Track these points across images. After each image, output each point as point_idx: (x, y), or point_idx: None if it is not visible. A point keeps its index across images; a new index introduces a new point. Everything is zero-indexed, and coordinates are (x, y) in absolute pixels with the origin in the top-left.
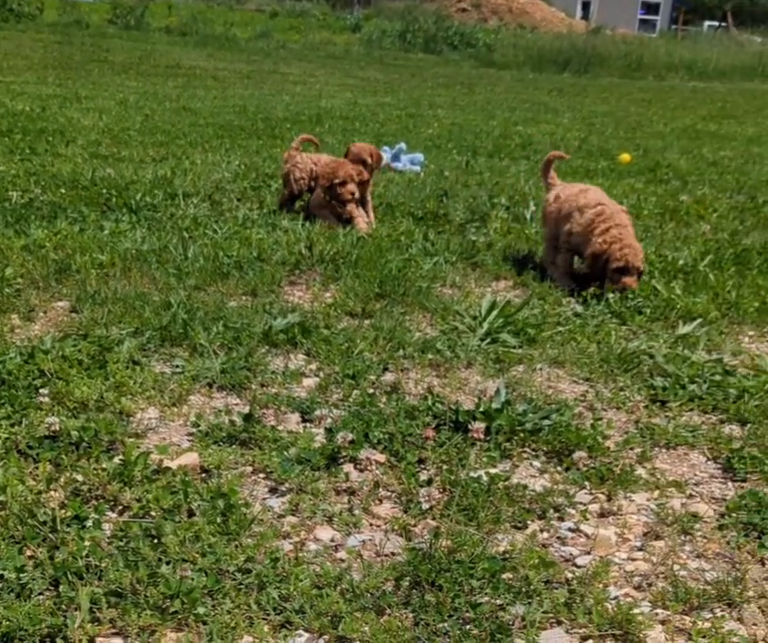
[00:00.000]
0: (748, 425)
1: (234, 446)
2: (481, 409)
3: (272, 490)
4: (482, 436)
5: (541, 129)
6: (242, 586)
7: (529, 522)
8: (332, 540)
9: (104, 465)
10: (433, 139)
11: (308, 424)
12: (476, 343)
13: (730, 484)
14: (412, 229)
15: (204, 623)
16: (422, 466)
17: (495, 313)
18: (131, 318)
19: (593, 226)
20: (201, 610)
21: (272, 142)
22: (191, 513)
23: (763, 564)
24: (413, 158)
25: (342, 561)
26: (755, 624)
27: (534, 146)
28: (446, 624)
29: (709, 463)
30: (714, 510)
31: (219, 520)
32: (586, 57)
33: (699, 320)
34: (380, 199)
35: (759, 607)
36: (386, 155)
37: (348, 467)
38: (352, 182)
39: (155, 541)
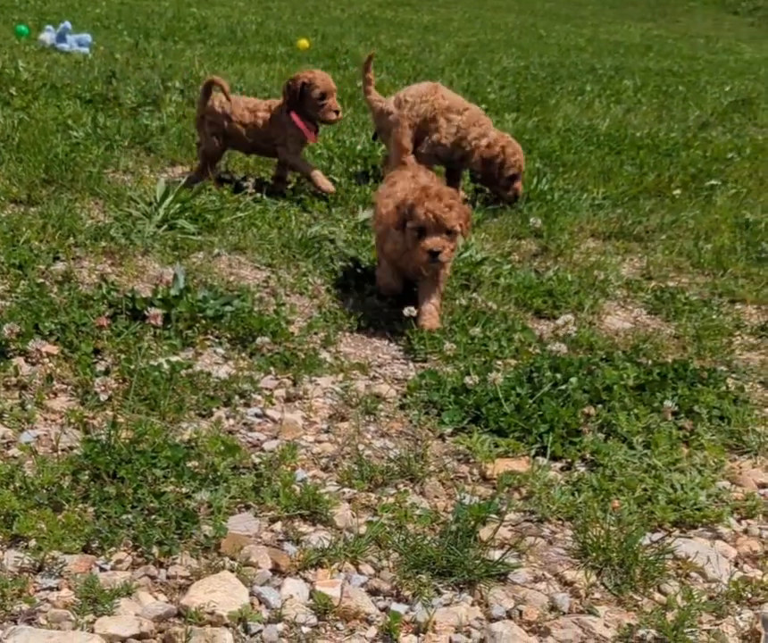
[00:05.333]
0: None
1: None
2: (159, 296)
3: None
4: (161, 323)
5: (216, 12)
6: None
7: (214, 410)
8: (3, 438)
9: None
10: (101, 19)
11: None
12: (152, 230)
13: (411, 365)
14: (79, 112)
15: None
16: (99, 356)
17: (170, 198)
18: None
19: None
20: None
21: None
22: None
23: (443, 440)
24: (80, 39)
25: (14, 458)
26: (436, 497)
27: (209, 29)
28: (129, 516)
29: (391, 345)
30: (397, 390)
31: None
32: None
33: None
34: (44, 80)
35: (439, 480)
36: (50, 35)
37: (18, 360)
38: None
39: None
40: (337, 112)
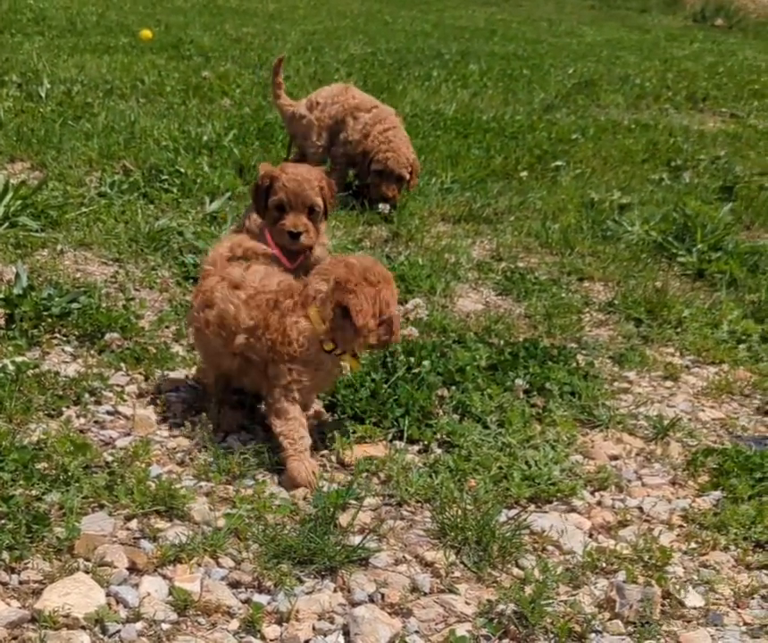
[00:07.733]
0: None
1: None
2: (1, 296)
3: None
4: (4, 324)
5: (54, 3)
6: None
7: (63, 409)
8: None
9: None
10: None
11: None
12: None
13: None
14: None
15: None
16: None
17: (10, 195)
18: None
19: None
20: None
21: None
22: None
23: None
24: None
25: None
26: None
27: (48, 20)
28: None
29: None
30: None
31: None
32: None
33: (227, 195)
34: None
35: None
36: None
37: None
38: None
39: None
40: (294, 235)
